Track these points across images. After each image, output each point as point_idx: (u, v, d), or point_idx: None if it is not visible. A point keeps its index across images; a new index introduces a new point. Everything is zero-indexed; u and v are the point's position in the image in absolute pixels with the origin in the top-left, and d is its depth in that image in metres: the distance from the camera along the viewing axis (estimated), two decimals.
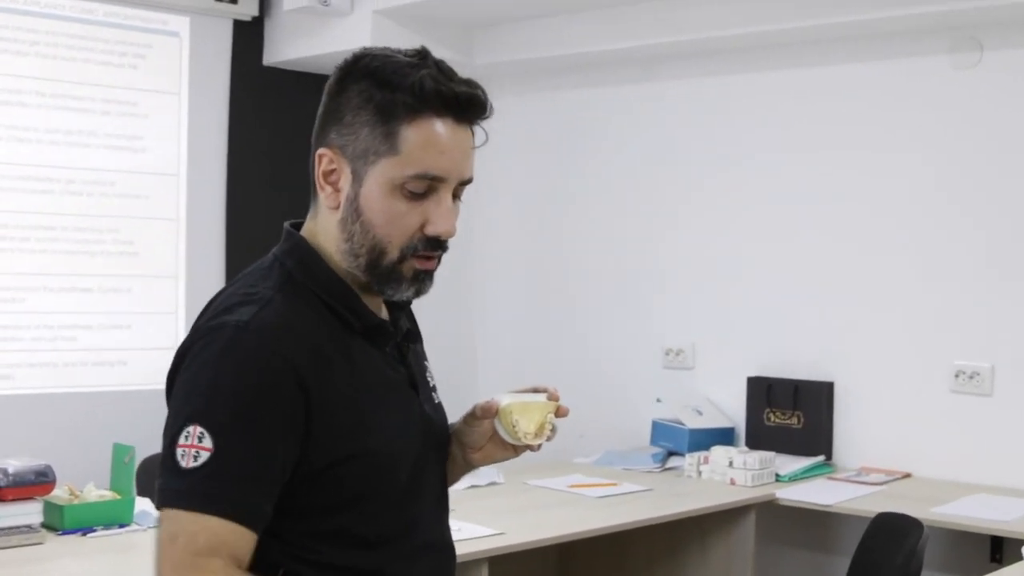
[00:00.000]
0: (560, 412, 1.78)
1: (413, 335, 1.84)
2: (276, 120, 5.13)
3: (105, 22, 4.69)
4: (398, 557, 1.69)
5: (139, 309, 4.80)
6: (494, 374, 5.39)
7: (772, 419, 4.60)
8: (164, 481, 1.55)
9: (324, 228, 1.70)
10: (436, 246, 1.68)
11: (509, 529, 3.28)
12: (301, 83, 5.12)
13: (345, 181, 1.66)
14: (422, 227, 1.65)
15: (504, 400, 1.75)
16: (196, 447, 1.52)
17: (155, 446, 4.03)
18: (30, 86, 4.53)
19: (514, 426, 1.74)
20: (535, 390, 1.80)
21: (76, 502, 3.20)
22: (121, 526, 3.22)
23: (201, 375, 1.57)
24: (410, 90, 1.62)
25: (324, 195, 1.68)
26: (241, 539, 1.53)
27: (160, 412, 4.93)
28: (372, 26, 4.74)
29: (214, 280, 4.96)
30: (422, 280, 1.70)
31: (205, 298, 5.47)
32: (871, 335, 4.45)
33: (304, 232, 1.73)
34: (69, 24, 4.60)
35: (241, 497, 1.53)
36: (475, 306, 5.53)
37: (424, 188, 1.64)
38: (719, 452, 4.25)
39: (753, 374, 4.69)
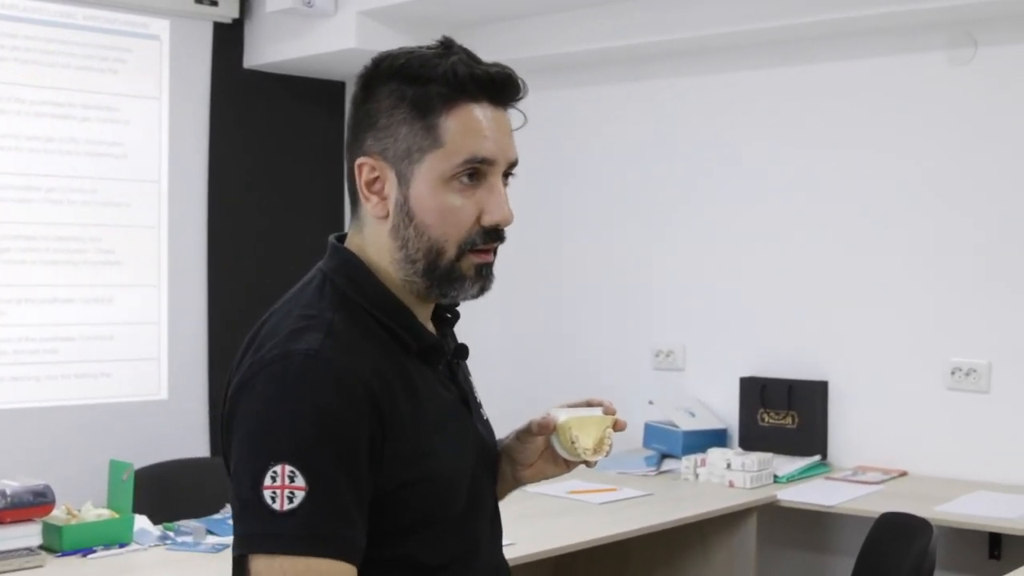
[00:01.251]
0: (618, 426, 1.73)
1: (462, 351, 1.79)
2: (257, 124, 5.07)
3: (85, 26, 4.60)
4: None
5: (122, 319, 4.71)
6: (481, 376, 5.32)
7: (766, 419, 4.58)
8: (254, 526, 1.47)
9: (373, 241, 1.64)
10: (494, 237, 1.63)
11: (519, 539, 3.22)
12: (282, 86, 5.06)
13: (391, 187, 1.60)
14: (478, 219, 1.60)
15: (561, 416, 1.70)
16: (288, 487, 1.45)
17: (144, 458, 4.01)
18: (9, 92, 4.44)
19: (573, 442, 1.68)
20: (589, 403, 1.75)
21: (74, 522, 3.12)
22: (121, 546, 3.15)
23: (277, 409, 1.49)
24: (443, 79, 1.58)
25: (371, 205, 1.62)
26: (347, 573, 1.48)
27: (146, 422, 4.85)
28: (357, 27, 4.67)
29: (197, 288, 4.89)
30: (485, 276, 1.65)
31: (188, 308, 5.40)
32: (866, 333, 4.43)
33: (351, 247, 1.66)
34: (48, 29, 4.51)
35: (344, 533, 1.47)
36: (462, 307, 5.46)
37: (475, 176, 1.60)
38: (716, 454, 4.22)
39: (746, 374, 4.66)
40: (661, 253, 4.95)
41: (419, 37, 1.66)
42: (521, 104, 1.72)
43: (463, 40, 1.65)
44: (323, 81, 5.29)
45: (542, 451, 1.76)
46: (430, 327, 1.72)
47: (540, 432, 1.72)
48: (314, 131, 5.26)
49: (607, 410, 1.73)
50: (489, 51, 1.72)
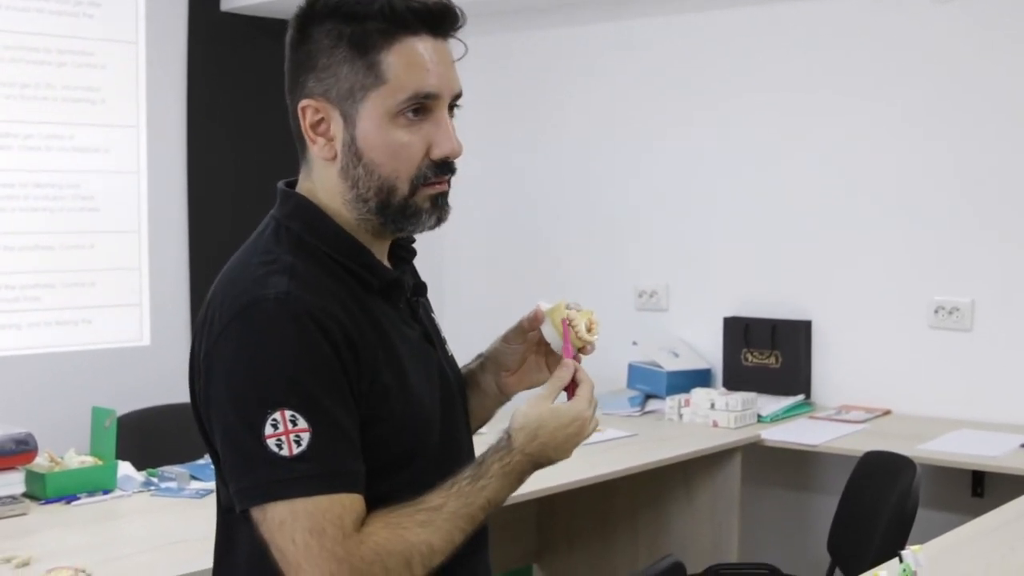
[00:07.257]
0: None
1: (421, 288, 1.80)
2: (236, 67, 4.99)
3: None
4: None
5: (103, 265, 4.67)
6: (460, 319, 5.31)
7: (750, 359, 4.58)
8: (263, 476, 1.48)
9: (322, 184, 1.64)
10: (445, 170, 1.63)
11: None
12: (260, 28, 4.99)
13: (336, 127, 1.60)
14: (427, 154, 1.61)
15: (546, 304, 1.76)
16: (293, 431, 1.47)
17: (127, 404, 3.98)
18: None
19: (571, 321, 1.73)
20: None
21: (57, 469, 3.12)
22: (105, 492, 3.15)
23: (260, 356, 1.50)
24: (380, 15, 1.57)
25: (317, 148, 1.62)
26: (363, 506, 1.52)
27: (128, 369, 4.81)
28: None
29: (178, 232, 4.85)
30: (441, 206, 1.65)
31: (169, 253, 5.32)
32: (849, 272, 4.43)
33: (301, 192, 1.66)
34: None
35: (352, 466, 1.51)
36: (441, 250, 5.44)
37: (420, 111, 1.59)
38: (700, 394, 4.22)
39: (729, 314, 4.67)
40: (643, 192, 4.93)
41: None
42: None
43: None
44: None
45: (527, 357, 1.81)
46: (388, 265, 1.72)
47: (532, 326, 1.77)
48: None
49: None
50: None
